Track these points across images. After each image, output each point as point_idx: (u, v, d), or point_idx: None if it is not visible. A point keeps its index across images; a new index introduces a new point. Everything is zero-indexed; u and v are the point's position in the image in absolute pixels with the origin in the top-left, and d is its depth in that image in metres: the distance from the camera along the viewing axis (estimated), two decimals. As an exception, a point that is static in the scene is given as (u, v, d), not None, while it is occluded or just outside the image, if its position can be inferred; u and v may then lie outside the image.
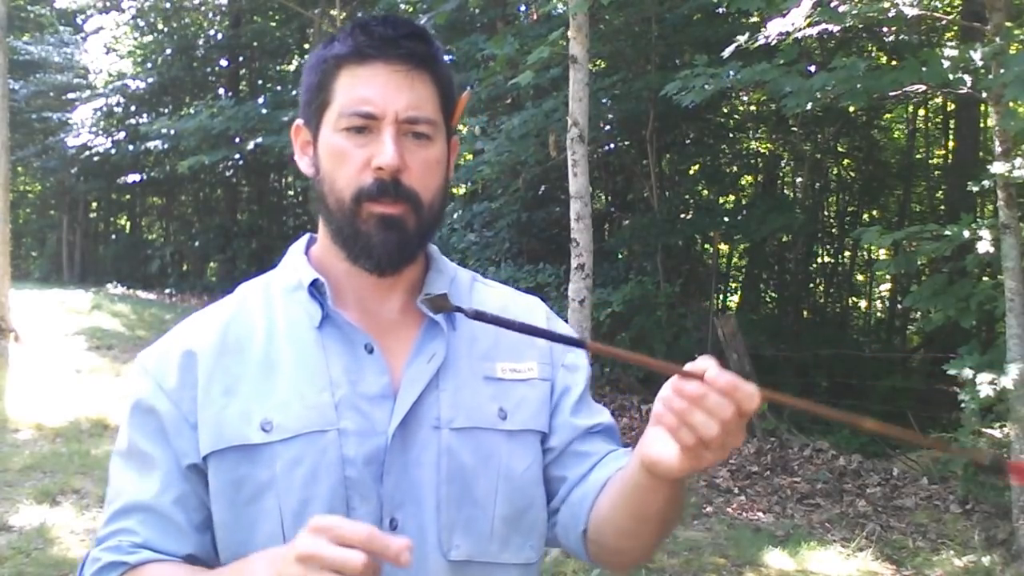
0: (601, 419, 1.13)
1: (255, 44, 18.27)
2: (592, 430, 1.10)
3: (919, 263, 7.32)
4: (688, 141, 11.11)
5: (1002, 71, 4.25)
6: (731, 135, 11.58)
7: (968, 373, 4.86)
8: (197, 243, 20.24)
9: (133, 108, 18.98)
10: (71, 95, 18.93)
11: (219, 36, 18.52)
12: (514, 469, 1.04)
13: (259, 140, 13.52)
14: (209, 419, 0.98)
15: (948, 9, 8.82)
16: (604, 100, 9.31)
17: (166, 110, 18.73)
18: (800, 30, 4.70)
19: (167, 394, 1.00)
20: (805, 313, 12.04)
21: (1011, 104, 4.66)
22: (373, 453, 0.98)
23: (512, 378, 1.07)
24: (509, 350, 1.08)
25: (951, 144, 12.10)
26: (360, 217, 0.99)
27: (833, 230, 12.98)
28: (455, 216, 10.90)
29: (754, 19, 7.36)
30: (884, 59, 8.88)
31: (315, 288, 1.03)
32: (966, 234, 5.02)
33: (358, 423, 0.98)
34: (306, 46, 16.95)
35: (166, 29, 18.34)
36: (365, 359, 1.01)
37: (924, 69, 4.79)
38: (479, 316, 0.85)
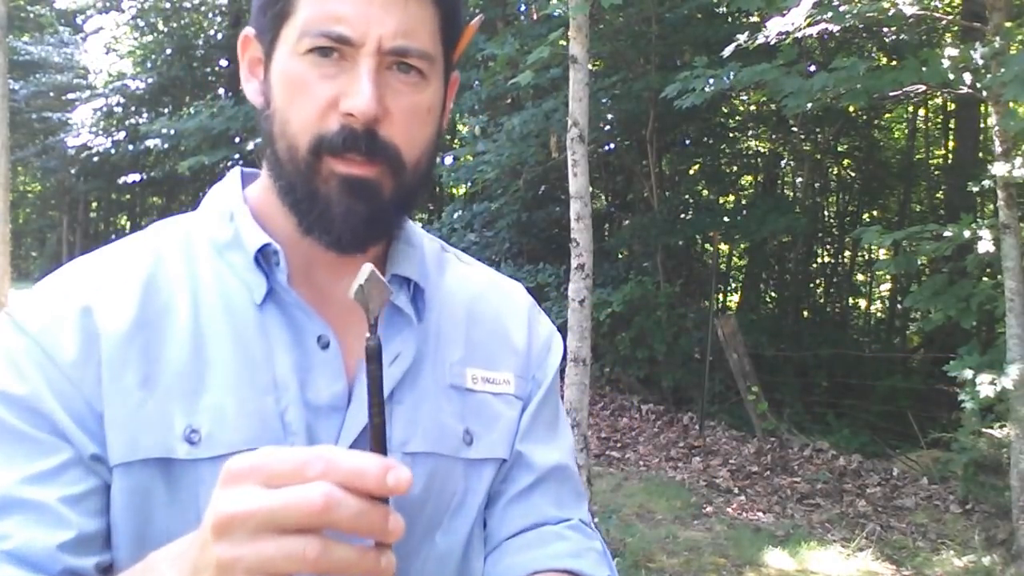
0: (557, 455, 0.88)
1: (255, 44, 18.30)
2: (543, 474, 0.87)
3: (919, 263, 7.33)
4: (688, 141, 11.12)
5: (1002, 71, 4.25)
6: (731, 135, 11.59)
7: (968, 373, 4.86)
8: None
9: (133, 108, 18.97)
10: (71, 95, 18.94)
11: (219, 36, 18.51)
12: (468, 505, 0.82)
13: (259, 140, 13.48)
14: (120, 417, 0.71)
15: (948, 9, 8.83)
16: (604, 100, 9.31)
17: (166, 110, 18.72)
18: (800, 30, 4.70)
19: (61, 369, 0.71)
20: (805, 313, 12.04)
21: (1011, 104, 4.66)
22: None
23: (483, 389, 0.84)
24: (482, 352, 0.86)
25: (951, 144, 12.10)
26: (319, 175, 0.74)
27: (833, 230, 12.99)
28: (455, 216, 10.91)
29: (754, 19, 7.37)
30: (884, 59, 8.88)
31: (262, 256, 0.77)
32: (966, 234, 5.02)
33: (304, 441, 0.73)
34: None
35: (166, 29, 18.33)
36: (317, 355, 0.76)
37: (924, 69, 4.79)
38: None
